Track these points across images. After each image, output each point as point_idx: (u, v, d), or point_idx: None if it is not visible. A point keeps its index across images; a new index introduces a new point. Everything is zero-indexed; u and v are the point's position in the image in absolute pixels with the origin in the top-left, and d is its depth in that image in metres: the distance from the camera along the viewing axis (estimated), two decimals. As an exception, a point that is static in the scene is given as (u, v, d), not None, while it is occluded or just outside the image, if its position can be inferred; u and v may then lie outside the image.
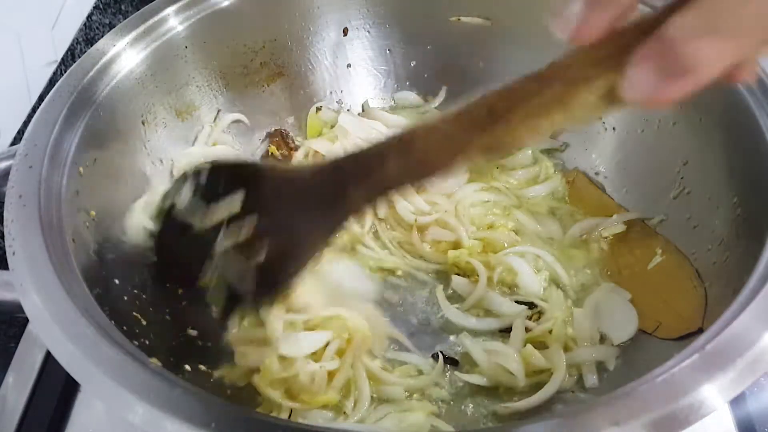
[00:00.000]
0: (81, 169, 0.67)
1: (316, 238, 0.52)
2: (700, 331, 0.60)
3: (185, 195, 0.55)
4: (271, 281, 0.54)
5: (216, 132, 0.90)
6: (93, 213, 0.67)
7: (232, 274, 0.53)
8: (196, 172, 0.55)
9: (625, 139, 0.85)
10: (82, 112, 0.70)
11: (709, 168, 0.71)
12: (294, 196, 0.51)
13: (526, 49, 0.85)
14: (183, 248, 0.56)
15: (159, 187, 0.79)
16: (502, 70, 0.94)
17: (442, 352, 0.73)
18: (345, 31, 0.97)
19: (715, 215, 0.69)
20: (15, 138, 0.98)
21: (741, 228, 0.63)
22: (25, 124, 1.00)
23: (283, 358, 0.67)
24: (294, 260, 0.53)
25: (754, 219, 0.62)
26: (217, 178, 0.54)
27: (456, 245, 0.82)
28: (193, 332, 0.73)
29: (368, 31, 0.98)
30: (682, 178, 0.76)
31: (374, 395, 0.69)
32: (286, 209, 0.52)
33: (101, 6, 1.24)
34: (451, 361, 0.73)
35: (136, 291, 0.68)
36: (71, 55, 1.13)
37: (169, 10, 0.82)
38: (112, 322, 0.55)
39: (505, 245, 0.82)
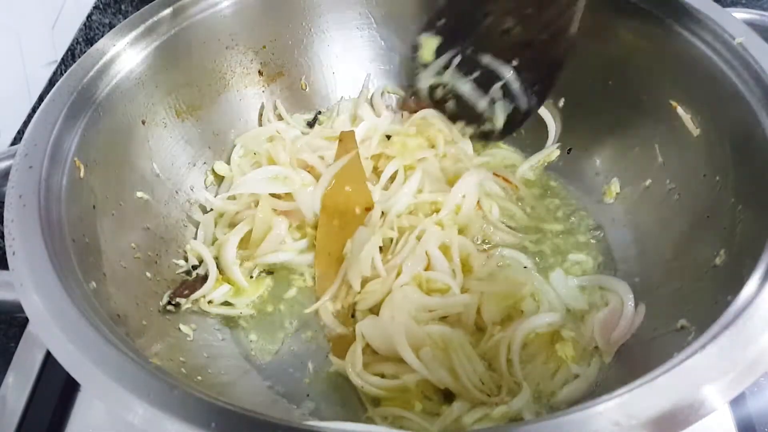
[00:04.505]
0: (81, 169, 0.67)
1: (559, 15, 0.60)
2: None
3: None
4: (536, 75, 0.63)
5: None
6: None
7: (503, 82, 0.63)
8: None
9: (626, 142, 0.86)
10: (82, 112, 0.70)
11: (708, 172, 0.71)
12: None
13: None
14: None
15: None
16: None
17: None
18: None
19: (715, 216, 0.69)
20: (15, 138, 0.99)
21: (742, 230, 0.63)
22: (25, 124, 1.00)
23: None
24: (547, 49, 0.63)
25: (754, 220, 0.62)
26: None
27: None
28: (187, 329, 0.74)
29: (368, 32, 0.98)
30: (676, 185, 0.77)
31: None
32: None
33: (101, 6, 1.24)
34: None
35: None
36: (71, 55, 1.13)
37: (169, 10, 0.82)
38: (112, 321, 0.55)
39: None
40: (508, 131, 0.70)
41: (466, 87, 0.67)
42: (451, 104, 0.70)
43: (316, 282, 0.81)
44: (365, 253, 0.76)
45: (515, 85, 0.65)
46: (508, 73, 0.64)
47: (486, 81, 0.66)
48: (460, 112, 0.69)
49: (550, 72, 0.67)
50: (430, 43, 0.66)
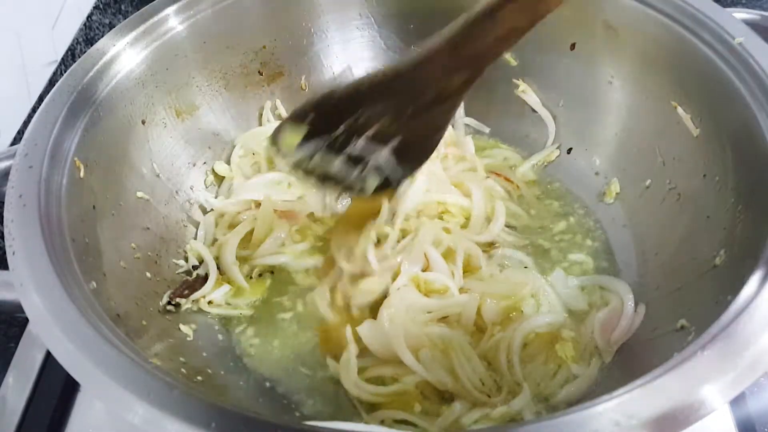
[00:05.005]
0: (81, 169, 0.67)
1: (437, 117, 0.64)
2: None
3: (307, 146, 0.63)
4: (410, 158, 0.66)
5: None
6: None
7: (376, 163, 0.64)
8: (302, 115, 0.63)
9: (626, 142, 0.86)
10: (82, 112, 0.70)
11: (708, 172, 0.71)
12: (406, 88, 0.62)
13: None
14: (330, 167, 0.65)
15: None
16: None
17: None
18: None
19: (715, 216, 0.69)
20: (15, 138, 0.99)
21: (742, 230, 0.63)
22: (25, 124, 1.00)
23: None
24: (423, 141, 0.66)
25: (754, 220, 0.62)
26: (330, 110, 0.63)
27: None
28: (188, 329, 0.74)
29: (368, 32, 0.98)
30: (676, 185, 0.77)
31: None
32: (402, 101, 0.62)
33: (101, 6, 1.24)
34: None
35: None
36: (71, 55, 1.13)
37: (169, 10, 0.82)
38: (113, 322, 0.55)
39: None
40: (376, 194, 0.69)
41: (335, 164, 0.64)
42: (317, 176, 0.66)
43: (320, 269, 0.81)
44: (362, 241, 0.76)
45: (388, 163, 0.65)
46: (382, 153, 0.64)
47: (357, 158, 0.64)
48: (328, 182, 0.67)
49: (423, 154, 0.68)
50: (295, 133, 0.63)
